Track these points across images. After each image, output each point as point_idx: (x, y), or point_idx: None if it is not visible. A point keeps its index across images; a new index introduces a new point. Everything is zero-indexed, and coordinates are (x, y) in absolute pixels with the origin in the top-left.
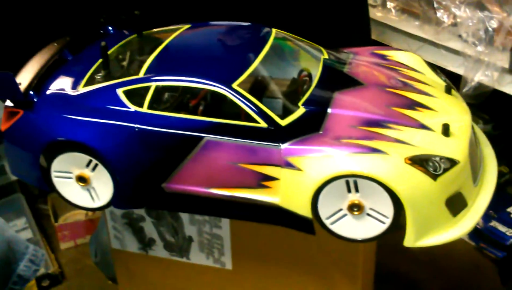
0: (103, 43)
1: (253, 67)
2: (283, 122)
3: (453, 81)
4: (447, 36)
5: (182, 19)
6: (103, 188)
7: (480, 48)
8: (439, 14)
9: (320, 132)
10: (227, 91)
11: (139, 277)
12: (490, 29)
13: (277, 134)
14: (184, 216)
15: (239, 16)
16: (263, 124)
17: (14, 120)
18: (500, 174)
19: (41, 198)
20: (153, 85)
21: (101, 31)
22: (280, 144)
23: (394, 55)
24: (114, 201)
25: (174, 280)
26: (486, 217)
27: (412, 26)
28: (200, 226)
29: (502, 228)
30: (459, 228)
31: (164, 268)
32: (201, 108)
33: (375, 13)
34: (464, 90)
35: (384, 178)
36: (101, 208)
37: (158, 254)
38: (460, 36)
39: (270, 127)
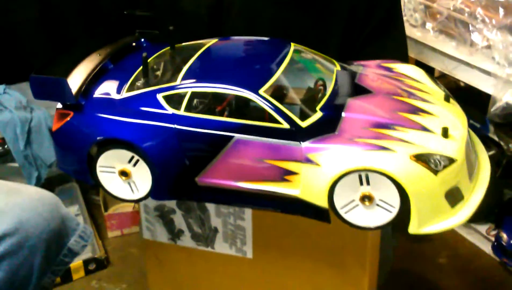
0: (144, 54)
1: (276, 76)
2: (304, 124)
3: (485, 101)
4: (481, 58)
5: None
6: (142, 181)
7: (508, 70)
8: (473, 36)
9: (336, 132)
10: (254, 96)
11: (167, 265)
12: None
13: (298, 134)
14: (211, 209)
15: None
16: (286, 125)
17: (65, 121)
18: None
19: (94, 189)
20: (189, 91)
21: (134, 44)
22: (301, 142)
23: (399, 67)
24: (153, 193)
25: (199, 268)
26: (511, 233)
27: (448, 47)
28: (225, 218)
29: None
30: (456, 217)
31: (190, 256)
32: (229, 110)
33: (415, 33)
34: (493, 109)
35: (392, 173)
36: (139, 200)
37: (186, 244)
38: (493, 58)
39: (292, 128)
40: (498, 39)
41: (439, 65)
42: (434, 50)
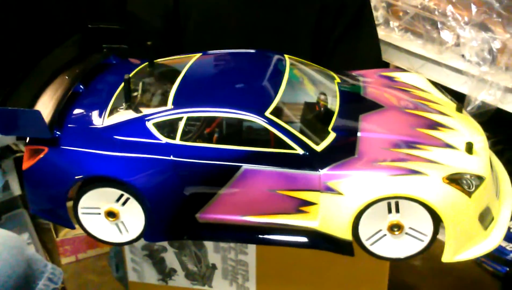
0: (126, 76)
1: (280, 95)
2: (318, 148)
3: (456, 99)
4: (450, 56)
5: None
6: (133, 222)
7: (484, 68)
8: (442, 34)
9: (356, 156)
10: (261, 120)
11: None
12: (494, 49)
13: (314, 160)
14: (209, 245)
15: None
16: (299, 151)
17: (38, 158)
18: None
19: None
20: (185, 116)
21: (101, 62)
22: (319, 169)
23: (400, 76)
24: (146, 234)
25: None
26: None
27: (414, 45)
28: (225, 253)
29: (502, 243)
30: (490, 240)
31: None
32: (219, 132)
33: (378, 32)
34: (468, 108)
35: (427, 199)
36: (130, 242)
37: (179, 284)
38: (463, 55)
39: (306, 153)
40: (471, 36)
41: (405, 64)
42: (399, 49)
